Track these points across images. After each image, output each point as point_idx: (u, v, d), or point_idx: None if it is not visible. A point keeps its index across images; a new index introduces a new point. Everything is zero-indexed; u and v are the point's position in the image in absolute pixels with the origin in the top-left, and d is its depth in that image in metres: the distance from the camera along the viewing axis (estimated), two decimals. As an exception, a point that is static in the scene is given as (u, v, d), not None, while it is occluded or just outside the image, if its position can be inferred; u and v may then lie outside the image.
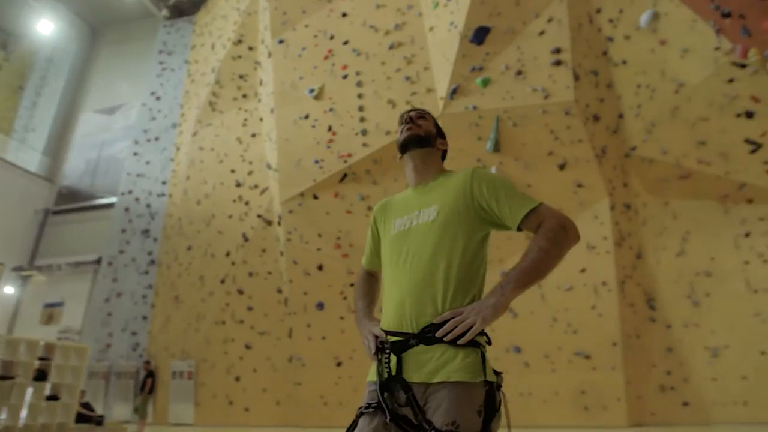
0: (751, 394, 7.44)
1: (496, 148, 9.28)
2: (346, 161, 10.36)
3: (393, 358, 1.50)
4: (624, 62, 9.27)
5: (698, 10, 3.72)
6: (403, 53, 10.50)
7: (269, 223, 11.41)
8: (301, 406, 9.86)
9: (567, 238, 1.51)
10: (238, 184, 12.05)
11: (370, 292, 1.93)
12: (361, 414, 1.51)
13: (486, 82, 9.46)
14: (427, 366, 1.46)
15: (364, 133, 10.33)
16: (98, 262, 13.98)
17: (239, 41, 13.28)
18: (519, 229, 1.58)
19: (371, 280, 1.96)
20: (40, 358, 7.72)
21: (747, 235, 8.30)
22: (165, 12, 17.03)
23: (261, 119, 12.42)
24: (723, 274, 8.25)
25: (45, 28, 18.02)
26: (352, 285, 9.85)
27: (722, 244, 8.38)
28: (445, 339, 1.45)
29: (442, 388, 1.42)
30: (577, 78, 8.97)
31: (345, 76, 10.75)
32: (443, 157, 1.95)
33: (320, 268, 10.20)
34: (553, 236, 1.50)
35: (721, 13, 2.86)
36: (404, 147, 1.84)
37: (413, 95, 10.18)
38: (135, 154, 14.87)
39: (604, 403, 7.82)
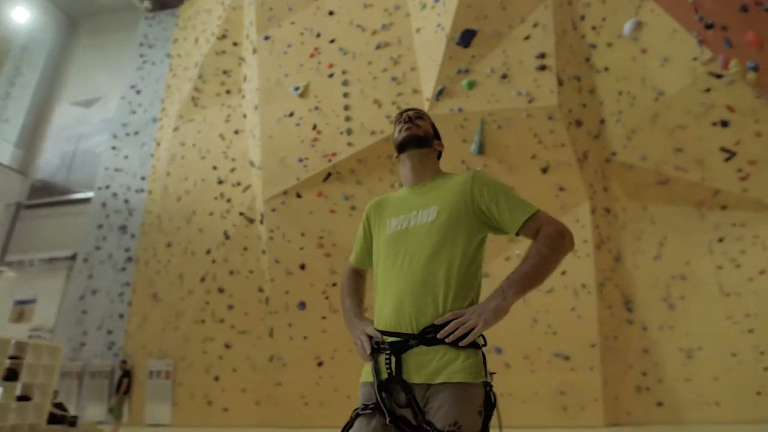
0: (723, 395, 7.66)
1: (481, 150, 9.36)
2: (330, 160, 10.32)
3: (392, 359, 1.49)
4: (606, 69, 9.45)
5: (682, 21, 3.82)
6: (390, 53, 10.51)
7: (251, 221, 11.28)
8: (281, 406, 9.77)
9: (564, 245, 1.56)
10: (220, 181, 11.89)
11: (358, 290, 1.91)
12: (358, 415, 1.49)
13: (471, 85, 9.52)
14: (428, 367, 1.45)
15: (349, 132, 10.30)
16: (73, 258, 13.62)
17: (223, 36, 13.10)
18: (517, 234, 1.60)
19: (358, 278, 1.95)
20: (11, 357, 7.46)
21: (720, 240, 8.54)
22: (147, 4, 16.68)
23: (244, 116, 12.27)
24: (697, 278, 8.48)
25: (20, 15, 17.47)
26: (334, 285, 9.82)
27: (697, 248, 8.61)
28: (446, 340, 1.45)
29: (443, 389, 1.42)
30: (560, 83, 9.11)
31: (331, 75, 10.70)
32: (438, 158, 1.95)
33: (302, 267, 10.13)
34: (552, 243, 1.54)
35: (705, 24, 2.94)
36: (402, 146, 1.82)
37: (399, 96, 10.20)
38: (113, 148, 14.53)
39: (582, 404, 7.96)
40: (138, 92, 15.06)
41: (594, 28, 9.55)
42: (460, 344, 1.45)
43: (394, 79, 10.32)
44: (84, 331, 12.36)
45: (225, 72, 12.94)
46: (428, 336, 1.48)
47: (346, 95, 10.51)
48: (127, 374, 10.06)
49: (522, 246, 8.52)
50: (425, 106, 9.79)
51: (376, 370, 1.52)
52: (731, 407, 7.58)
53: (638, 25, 8.67)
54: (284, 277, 10.16)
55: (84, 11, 18.30)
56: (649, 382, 8.23)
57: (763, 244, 8.21)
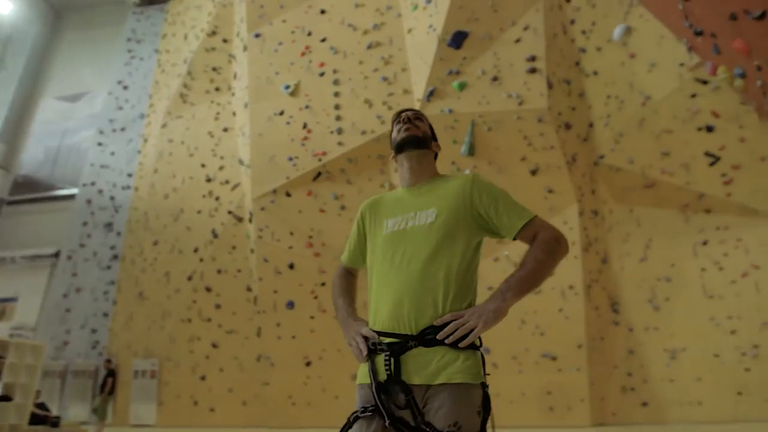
0: (706, 395, 7.80)
1: (471, 151, 9.40)
2: (320, 159, 10.28)
3: (392, 360, 1.49)
4: (595, 73, 9.55)
5: (672, 27, 3.89)
6: (381, 53, 10.51)
7: (240, 219, 11.20)
8: (268, 407, 9.71)
9: (560, 251, 1.62)
10: (209, 179, 11.78)
11: (350, 290, 1.90)
12: (357, 418, 1.48)
13: (462, 86, 9.57)
14: (428, 368, 1.46)
15: (340, 131, 10.28)
16: (56, 255, 13.38)
17: (213, 33, 12.98)
18: (514, 238, 1.62)
19: (350, 278, 1.94)
20: (-7, 356, 7.32)
21: (704, 243, 8.69)
22: (135, -2, 16.44)
23: (234, 113, 12.17)
24: (682, 280, 8.62)
25: (3, 7, 17.11)
26: (323, 284, 9.79)
27: (682, 251, 8.75)
28: (446, 341, 1.46)
29: (443, 389, 1.43)
30: (550, 86, 9.19)
31: (322, 74, 10.67)
32: (435, 159, 1.96)
33: (291, 266, 10.08)
34: (549, 248, 1.59)
35: (694, 31, 3.00)
36: (401, 147, 1.82)
37: (390, 96, 10.21)
38: (99, 144, 14.30)
39: (568, 404, 8.04)
40: (125, 88, 14.84)
41: (584, 32, 9.65)
42: (459, 345, 1.46)
43: (385, 79, 10.33)
44: (67, 329, 12.15)
45: (214, 69, 12.82)
46: (427, 337, 1.48)
47: (336, 94, 10.49)
48: (111, 374, 9.91)
49: (510, 247, 8.58)
50: (416, 107, 9.78)
51: (374, 372, 1.51)
52: (713, 407, 7.72)
53: (628, 31, 8.79)
54: (273, 277, 10.10)
55: (70, 4, 17.98)
56: (635, 382, 8.35)
57: (745, 247, 8.38)
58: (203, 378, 10.43)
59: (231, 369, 10.33)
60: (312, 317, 9.75)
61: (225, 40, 12.87)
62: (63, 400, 11.31)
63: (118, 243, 12.74)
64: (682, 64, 8.67)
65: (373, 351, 1.55)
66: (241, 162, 11.38)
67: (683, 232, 8.85)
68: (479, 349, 1.53)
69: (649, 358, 8.40)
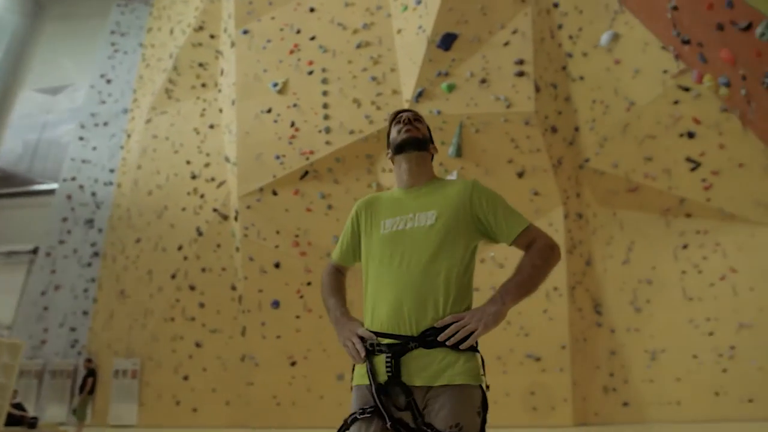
0: (684, 395, 7.98)
1: (458, 153, 9.46)
2: (308, 158, 10.23)
3: (393, 361, 1.49)
4: (581, 78, 9.70)
5: (660, 36, 3.97)
6: (370, 53, 10.50)
7: (225, 217, 11.08)
8: (252, 407, 9.63)
9: (554, 258, 1.66)
10: (194, 176, 11.62)
11: (341, 289, 1.89)
12: (355, 419, 1.48)
13: (451, 88, 9.62)
14: (429, 369, 1.47)
15: (328, 131, 10.24)
16: (35, 252, 13.06)
17: (200, 28, 12.81)
18: (510, 244, 1.65)
19: (340, 276, 1.92)
20: (-33, 355, 7.11)
21: (685, 246, 8.89)
22: (119, -9, 16.12)
23: (220, 110, 12.03)
24: (662, 282, 8.80)
25: (-18, -4, 16.63)
26: (309, 284, 9.75)
27: (663, 254, 8.94)
28: (447, 343, 1.47)
29: (444, 391, 1.44)
30: (538, 90, 9.30)
31: (310, 72, 10.61)
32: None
33: (277, 265, 10.01)
34: (545, 255, 1.64)
35: (682, 39, 3.08)
36: (401, 148, 1.82)
37: (378, 96, 10.21)
38: (81, 138, 14.00)
39: (552, 404, 8.15)
40: (108, 81, 14.56)
41: (571, 37, 9.79)
42: (460, 347, 1.47)
43: (374, 79, 10.32)
44: (45, 328, 11.87)
45: (201, 65, 12.66)
46: (428, 338, 1.49)
47: (325, 93, 10.45)
48: (92, 373, 9.70)
49: (496, 249, 8.66)
50: (404, 108, 9.82)
51: (373, 373, 1.50)
52: (691, 407, 7.90)
53: (614, 37, 8.94)
54: (258, 276, 10.02)
55: (52, -5, 17.57)
56: (616, 382, 8.50)
57: (723, 251, 8.59)
58: (186, 378, 10.29)
59: (214, 369, 10.21)
60: (298, 317, 9.70)
61: (212, 36, 12.71)
62: (40, 400, 11.05)
63: (99, 240, 12.49)
64: (665, 71, 8.85)
65: (370, 352, 1.55)
66: (227, 159, 11.26)
67: (664, 236, 9.04)
68: (478, 351, 1.54)
69: (630, 358, 8.57)
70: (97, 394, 10.27)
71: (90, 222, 12.76)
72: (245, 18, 11.25)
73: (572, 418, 8.14)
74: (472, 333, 1.48)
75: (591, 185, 9.61)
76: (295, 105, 10.48)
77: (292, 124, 10.38)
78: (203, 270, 10.84)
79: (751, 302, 8.07)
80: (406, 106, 9.82)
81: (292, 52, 10.82)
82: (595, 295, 9.15)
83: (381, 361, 1.52)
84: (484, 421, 1.47)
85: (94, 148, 13.70)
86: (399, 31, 10.48)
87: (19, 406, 8.33)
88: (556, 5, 10.03)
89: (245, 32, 11.17)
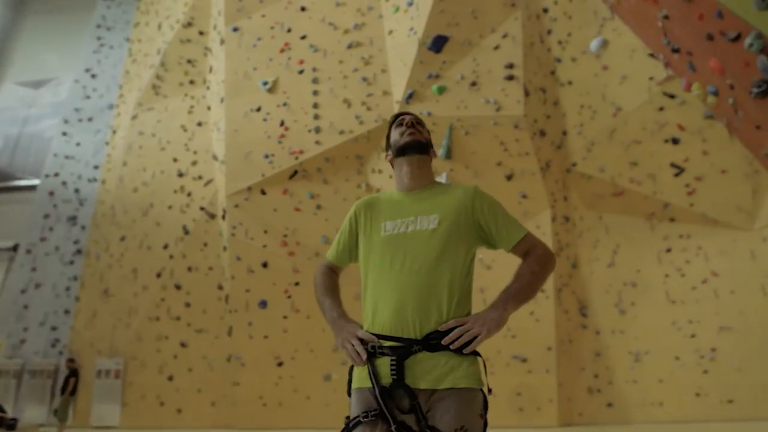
0: (666, 396, 8.14)
1: (448, 155, 9.51)
2: (297, 158, 10.19)
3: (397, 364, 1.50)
4: (570, 83, 9.83)
5: (650, 44, 4.06)
6: (361, 54, 10.49)
7: (212, 216, 10.97)
8: (238, 407, 9.54)
9: (551, 266, 1.73)
10: (181, 174, 11.48)
11: (336, 289, 1.88)
12: (358, 423, 1.48)
13: (441, 90, 9.67)
14: (433, 372, 1.48)
15: (318, 130, 10.21)
16: (15, 249, 12.77)
17: (189, 24, 12.66)
18: (509, 251, 1.68)
19: (334, 276, 1.91)
20: (-56, 355, 6.92)
21: (668, 250, 9.06)
22: (105, -16, 15.84)
23: (209, 108, 11.91)
24: (646, 285, 8.96)
25: (-38, -14, 16.21)
26: (297, 284, 9.71)
27: (647, 257, 9.10)
28: (451, 347, 1.48)
29: (449, 394, 1.46)
30: (527, 94, 9.40)
31: (301, 72, 10.57)
32: None
33: (265, 265, 9.94)
34: (544, 263, 1.70)
35: (672, 48, 3.15)
36: (403, 150, 1.83)
37: (369, 96, 10.21)
38: (64, 133, 13.73)
39: (537, 405, 8.24)
40: (93, 76, 14.31)
41: (560, 42, 9.91)
42: (464, 351, 1.49)
43: (364, 79, 10.32)
44: (25, 327, 11.62)
45: (189, 61, 12.51)
46: (432, 342, 1.50)
47: (315, 93, 10.41)
48: (74, 373, 9.52)
49: (483, 251, 8.72)
50: (395, 109, 9.85)
51: (375, 375, 1.50)
52: (673, 407, 8.06)
53: (604, 44, 9.08)
54: (245, 275, 9.93)
55: (35, -14, 17.18)
56: (600, 384, 8.62)
57: (705, 255, 8.78)
58: (171, 378, 10.16)
59: (200, 369, 10.10)
60: (285, 317, 9.65)
61: (201, 33, 12.58)
62: (19, 400, 10.80)
63: (82, 237, 12.27)
64: (651, 78, 9.03)
65: (372, 354, 1.55)
66: (215, 157, 11.16)
67: (649, 240, 9.21)
68: (480, 356, 1.56)
69: (615, 360, 8.70)
70: (79, 395, 10.08)
71: (73, 219, 12.53)
72: (235, 15, 11.15)
73: (557, 418, 8.24)
74: (475, 337, 1.49)
75: (578, 189, 9.74)
76: (284, 104, 10.43)
77: (282, 123, 10.33)
78: (189, 269, 10.72)
79: (731, 305, 8.26)
80: (396, 107, 9.85)
81: (282, 50, 10.76)
82: (581, 298, 9.27)
83: (383, 363, 1.52)
84: (486, 424, 1.48)
85: (78, 144, 13.45)
86: (390, 32, 10.49)
87: (-3, 407, 8.14)
88: (545, 10, 10.15)
89: (235, 29, 11.08)
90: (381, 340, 1.56)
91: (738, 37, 2.84)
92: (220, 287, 10.46)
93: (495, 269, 8.14)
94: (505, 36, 9.67)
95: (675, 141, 9.05)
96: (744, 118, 2.98)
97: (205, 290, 10.50)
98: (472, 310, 1.66)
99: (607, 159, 9.40)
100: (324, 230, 9.91)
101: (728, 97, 3.08)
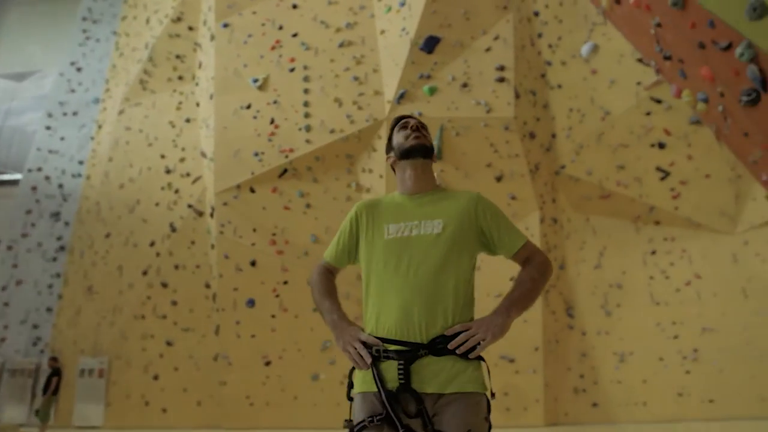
0: (650, 396, 8.29)
1: (438, 156, 9.55)
2: (287, 156, 10.13)
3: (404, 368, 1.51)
4: (559, 86, 9.94)
5: (642, 50, 4.14)
6: (353, 53, 10.47)
7: (200, 214, 10.85)
8: (224, 407, 9.47)
9: (549, 274, 1.78)
10: (168, 171, 11.34)
11: (334, 291, 1.87)
12: (363, 428, 1.48)
13: (432, 91, 9.70)
14: (440, 376, 1.50)
15: (308, 129, 10.16)
16: (-5, 244, 12.49)
17: (178, 19, 12.49)
18: (510, 257, 1.76)
19: (332, 277, 1.90)
20: None
21: (653, 253, 9.23)
22: (92, -24, 15.55)
23: (198, 104, 11.78)
24: (632, 287, 9.11)
25: (-58, -26, 15.78)
26: (286, 283, 9.67)
27: (632, 260, 9.26)
28: (457, 351, 1.49)
29: (455, 398, 1.48)
30: (517, 96, 9.48)
31: (292, 69, 10.51)
32: None
33: (253, 264, 9.87)
34: (543, 270, 1.75)
35: (663, 55, 3.22)
36: (408, 153, 1.83)
37: (360, 96, 10.19)
38: (48, 128, 13.46)
39: (524, 405, 8.32)
40: (79, 70, 14.04)
41: (550, 46, 10.02)
42: (469, 356, 1.50)
43: (356, 78, 10.29)
44: (5, 325, 11.38)
45: (178, 57, 12.36)
46: (438, 346, 1.51)
47: (306, 91, 10.36)
48: (57, 373, 9.34)
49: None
50: (386, 109, 9.87)
51: (381, 379, 1.51)
52: (656, 407, 8.22)
53: (595, 49, 9.21)
54: (233, 274, 9.85)
55: (18, -23, 16.80)
56: (586, 384, 8.75)
57: (689, 258, 8.97)
58: (156, 377, 10.03)
59: (186, 368, 9.99)
60: (273, 316, 9.59)
61: (191, 28, 12.43)
62: (-2, 399, 10.58)
63: (65, 233, 12.05)
64: (639, 83, 9.19)
65: (376, 358, 1.54)
66: (203, 155, 11.04)
67: (634, 242, 9.37)
68: (484, 360, 1.58)
69: (600, 361, 8.83)
70: (61, 394, 9.90)
71: (56, 215, 12.29)
72: (226, 11, 11.04)
73: (543, 418, 8.33)
74: (480, 342, 1.51)
75: (566, 191, 9.86)
76: (275, 102, 10.36)
77: (272, 121, 10.26)
78: (176, 267, 10.59)
79: (714, 307, 8.45)
80: (387, 107, 9.86)
81: (273, 48, 10.68)
82: (567, 299, 9.39)
83: (388, 367, 1.52)
84: (490, 427, 1.51)
85: (62, 138, 13.20)
86: (382, 32, 10.49)
87: (-23, 407, 7.96)
88: (536, 14, 10.24)
89: (225, 25, 10.96)
90: (385, 344, 1.56)
91: (729, 47, 2.90)
92: (208, 285, 10.36)
93: (484, 270, 8.18)
94: (496, 38, 9.74)
95: (661, 145, 9.22)
96: (733, 125, 3.06)
97: (192, 288, 10.39)
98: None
99: (595, 162, 9.53)
100: (313, 229, 9.88)
101: (718, 105, 3.15)
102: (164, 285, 10.51)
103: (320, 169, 10.22)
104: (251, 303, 9.69)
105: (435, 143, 9.91)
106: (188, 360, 10.03)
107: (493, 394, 1.58)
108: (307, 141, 10.12)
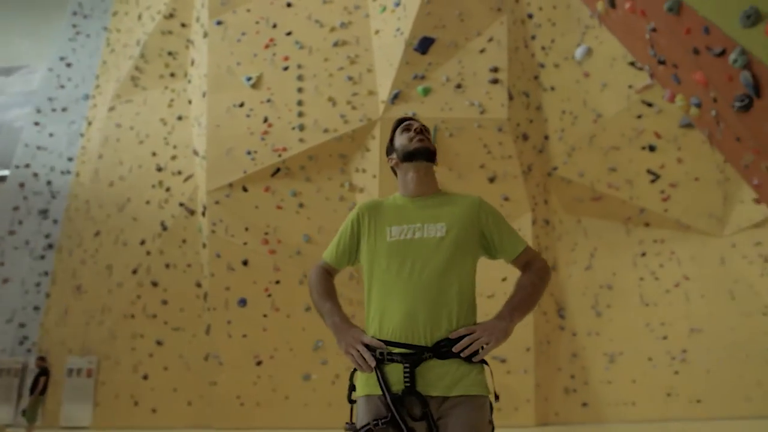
0: (639, 396, 8.39)
1: (432, 156, 9.56)
2: (280, 155, 10.09)
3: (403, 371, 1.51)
4: (552, 88, 10.01)
5: (637, 55, 4.20)
6: (347, 52, 10.45)
7: (192, 212, 10.77)
8: (215, 407, 9.41)
9: (548, 278, 1.80)
10: (159, 169, 11.23)
11: (334, 293, 1.84)
12: (368, 431, 1.48)
13: (427, 91, 9.72)
14: (445, 379, 1.50)
15: (302, 128, 10.13)
16: (-19, 242, 12.28)
17: (171, 15, 12.38)
18: (510, 262, 1.78)
19: (331, 278, 1.88)
20: None
21: (643, 254, 9.34)
22: (82, -30, 15.35)
23: (190, 102, 11.69)
24: (622, 288, 9.21)
25: (-72, -34, 15.48)
26: (278, 282, 9.64)
27: (623, 261, 9.36)
28: (462, 355, 1.50)
29: (461, 401, 1.48)
30: (511, 97, 9.53)
31: (286, 68, 10.46)
32: None
33: (245, 263, 9.82)
34: (543, 275, 1.76)
35: (658, 60, 3.27)
36: (412, 156, 1.82)
37: (354, 96, 10.17)
38: (36, 123, 13.26)
39: (515, 405, 8.37)
40: (68, 65, 13.86)
41: (543, 48, 10.09)
42: (473, 359, 1.51)
43: (350, 78, 10.28)
44: (-9, 323, 11.19)
45: (170, 53, 12.24)
46: (443, 350, 1.51)
47: (300, 90, 10.32)
48: (45, 372, 9.19)
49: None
50: (380, 109, 9.87)
51: (385, 382, 1.51)
52: (645, 407, 8.32)
53: (589, 52, 9.29)
54: (225, 273, 9.79)
55: (6, -30, 16.53)
56: (576, 384, 8.82)
57: (678, 259, 9.08)
58: (146, 377, 9.94)
59: (176, 368, 9.91)
60: (265, 315, 9.55)
61: (183, 25, 12.32)
62: (-17, 399, 10.41)
63: (54, 231, 11.88)
64: (630, 86, 9.29)
65: (380, 361, 1.54)
66: (195, 153, 10.95)
67: (625, 244, 9.47)
68: (488, 364, 1.59)
69: (591, 361, 8.92)
70: (49, 394, 9.76)
71: (44, 212, 12.12)
72: (219, 8, 10.96)
73: (534, 418, 8.39)
74: (484, 346, 1.52)
75: (558, 193, 9.94)
76: (268, 100, 10.31)
77: (265, 120, 10.20)
78: (167, 266, 10.50)
79: (701, 308, 8.57)
80: (381, 107, 9.86)
81: (267, 46, 10.62)
82: (559, 300, 9.46)
83: (392, 370, 1.52)
84: (493, 429, 1.52)
85: (51, 135, 13.01)
86: (377, 32, 10.48)
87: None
88: (530, 16, 10.31)
89: (219, 23, 10.88)
90: (389, 347, 1.56)
91: (723, 53, 2.94)
92: (199, 285, 10.29)
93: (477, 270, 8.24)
94: (490, 40, 9.78)
95: (652, 148, 9.33)
96: (725, 130, 3.11)
97: (182, 288, 10.31)
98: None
99: (587, 164, 9.62)
100: (306, 229, 9.85)
101: (711, 110, 3.20)
102: (154, 284, 10.41)
103: (313, 169, 10.20)
104: (243, 302, 9.64)
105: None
106: (178, 360, 9.95)
107: (497, 397, 1.58)
108: (301, 140, 10.08)
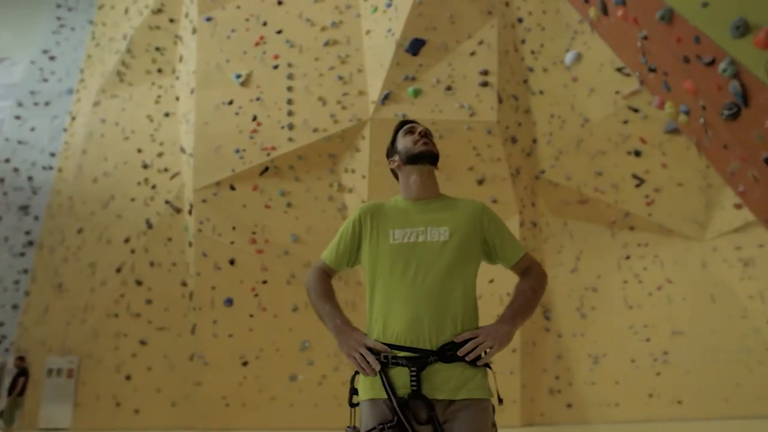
0: (622, 397, 8.52)
1: (422, 157, 9.59)
2: (269, 154, 10.03)
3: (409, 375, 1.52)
4: (541, 92, 10.12)
5: (627, 61, 4.26)
6: (338, 52, 10.44)
7: (178, 210, 10.63)
8: (199, 408, 9.29)
9: (546, 284, 1.82)
10: (145, 166, 11.07)
11: (333, 295, 1.82)
12: None
13: (417, 93, 9.75)
14: (450, 383, 1.51)
15: (291, 127, 10.08)
16: (-42, 238, 11.94)
17: (159, 11, 12.20)
18: (510, 267, 1.81)
19: (329, 280, 1.86)
20: None
21: (627, 257, 9.49)
22: (67, -38, 15.05)
23: (177, 98, 11.54)
24: (606, 290, 9.35)
25: None
26: (265, 282, 9.57)
27: (608, 264, 9.50)
28: (466, 358, 1.51)
29: (466, 405, 1.50)
30: (500, 101, 9.61)
31: (276, 67, 10.40)
32: None
33: (232, 262, 9.73)
34: (542, 281, 1.79)
35: (648, 67, 3.32)
36: (416, 159, 1.83)
37: (344, 96, 10.16)
38: (17, 117, 12.96)
39: (501, 406, 8.42)
40: (52, 58, 13.57)
41: (533, 52, 10.19)
42: (478, 363, 1.52)
43: (340, 78, 10.26)
44: (-33, 322, 10.90)
45: (158, 49, 12.07)
46: (448, 353, 1.52)
47: (290, 89, 10.27)
48: (24, 373, 8.98)
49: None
50: (370, 109, 9.87)
51: (391, 386, 1.50)
52: (628, 408, 8.45)
53: (579, 57, 9.41)
54: (211, 272, 9.69)
55: (-12, -41, 16.11)
56: (561, 385, 8.93)
57: (661, 263, 9.25)
58: (128, 377, 9.77)
59: (160, 368, 9.77)
60: (251, 315, 9.47)
61: (172, 20, 12.15)
62: (-41, 400, 10.12)
63: (34, 228, 11.62)
64: (617, 92, 9.44)
65: (384, 364, 1.54)
66: (182, 150, 10.81)
67: (609, 247, 9.62)
68: (491, 368, 1.61)
69: (575, 362, 9.04)
70: (27, 395, 9.54)
71: (25, 208, 11.85)
72: (209, 5, 10.85)
73: (520, 418, 8.47)
74: (487, 350, 1.54)
75: (545, 195, 10.05)
76: (258, 98, 10.23)
77: (254, 118, 10.13)
78: (152, 264, 10.35)
79: (683, 311, 8.75)
80: (372, 108, 9.86)
81: (257, 44, 10.55)
82: (544, 301, 9.56)
83: (397, 374, 1.52)
84: None
85: (33, 129, 12.72)
86: (368, 32, 10.48)
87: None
88: (520, 20, 10.40)
89: (208, 19, 10.77)
90: (394, 350, 1.55)
91: (713, 62, 3.00)
92: (184, 284, 10.16)
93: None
94: (481, 43, 9.85)
95: (637, 153, 9.48)
96: (713, 137, 3.18)
97: (167, 287, 10.17)
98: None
99: (574, 168, 9.74)
100: (294, 228, 9.81)
101: (700, 117, 3.27)
102: (139, 283, 10.25)
103: (302, 168, 10.15)
104: (229, 302, 9.55)
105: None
106: (163, 360, 9.81)
107: (500, 400, 1.60)
108: (290, 139, 10.03)
